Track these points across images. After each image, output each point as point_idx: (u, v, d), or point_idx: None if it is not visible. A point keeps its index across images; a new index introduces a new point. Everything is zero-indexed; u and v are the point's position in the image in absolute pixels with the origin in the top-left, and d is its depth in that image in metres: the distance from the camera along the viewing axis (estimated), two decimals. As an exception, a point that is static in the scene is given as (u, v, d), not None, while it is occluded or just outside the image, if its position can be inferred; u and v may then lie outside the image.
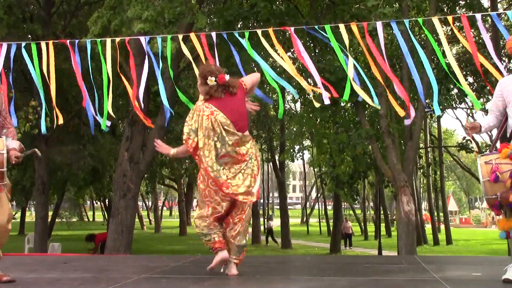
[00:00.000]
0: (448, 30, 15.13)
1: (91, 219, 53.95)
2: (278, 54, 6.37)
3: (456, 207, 50.30)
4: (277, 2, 15.63)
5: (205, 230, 3.99)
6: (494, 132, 3.76)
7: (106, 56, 6.07)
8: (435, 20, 5.88)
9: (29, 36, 14.93)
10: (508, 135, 3.58)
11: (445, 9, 14.48)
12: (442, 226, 32.16)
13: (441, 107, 17.28)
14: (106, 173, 21.44)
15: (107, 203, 29.57)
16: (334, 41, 5.72)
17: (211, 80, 3.97)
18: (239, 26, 13.76)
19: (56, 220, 30.70)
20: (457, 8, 15.24)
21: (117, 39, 6.53)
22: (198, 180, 4.08)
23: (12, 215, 3.79)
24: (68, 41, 6.29)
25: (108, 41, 6.21)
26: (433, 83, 5.58)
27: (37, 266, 4.91)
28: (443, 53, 7.50)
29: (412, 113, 5.87)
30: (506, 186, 3.29)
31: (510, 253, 3.64)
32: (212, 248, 4.00)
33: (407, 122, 6.58)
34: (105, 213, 34.45)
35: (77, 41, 6.48)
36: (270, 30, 6.09)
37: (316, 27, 5.92)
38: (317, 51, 16.49)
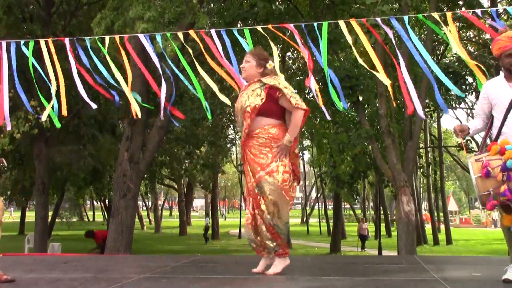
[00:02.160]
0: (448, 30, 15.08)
1: (91, 219, 53.95)
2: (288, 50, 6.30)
3: (456, 207, 50.39)
4: (277, 3, 15.61)
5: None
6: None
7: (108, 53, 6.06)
8: (435, 15, 5.85)
9: (29, 36, 14.90)
10: (494, 136, 3.61)
11: (445, 10, 14.49)
12: (442, 226, 32.19)
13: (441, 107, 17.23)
14: (106, 173, 21.45)
15: (107, 203, 29.59)
16: (325, 41, 5.65)
17: (270, 65, 4.00)
18: (239, 25, 13.77)
19: (56, 220, 30.74)
20: (457, 8, 15.24)
21: (116, 36, 6.50)
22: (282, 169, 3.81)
23: (3, 208, 3.84)
24: (66, 39, 6.27)
25: (107, 39, 6.20)
26: (440, 77, 5.43)
27: (37, 266, 4.90)
28: (442, 54, 7.47)
29: (419, 110, 5.59)
30: (498, 181, 3.32)
31: (509, 253, 3.63)
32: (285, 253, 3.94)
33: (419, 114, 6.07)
34: (105, 213, 34.46)
35: (75, 38, 6.47)
36: (270, 27, 6.08)
37: (314, 24, 5.87)
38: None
